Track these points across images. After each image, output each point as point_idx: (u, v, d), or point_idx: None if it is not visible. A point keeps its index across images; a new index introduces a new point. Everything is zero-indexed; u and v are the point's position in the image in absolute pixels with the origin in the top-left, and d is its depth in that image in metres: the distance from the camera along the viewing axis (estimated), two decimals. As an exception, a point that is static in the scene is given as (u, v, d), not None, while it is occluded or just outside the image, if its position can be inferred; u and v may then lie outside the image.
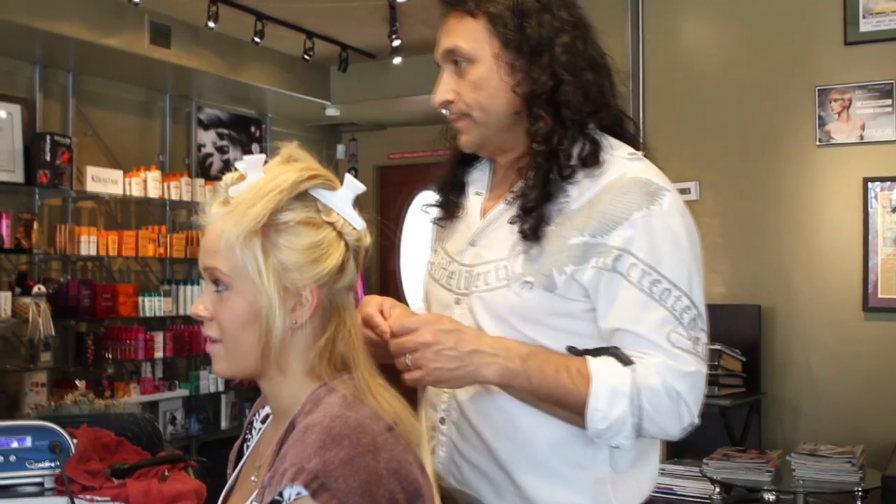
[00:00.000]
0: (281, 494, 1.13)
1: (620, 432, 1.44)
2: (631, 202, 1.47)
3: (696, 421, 1.49)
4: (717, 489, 3.74)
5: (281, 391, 1.28)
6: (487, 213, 1.63)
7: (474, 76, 1.56)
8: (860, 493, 3.58)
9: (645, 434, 1.46)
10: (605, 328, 1.49)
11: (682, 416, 1.46)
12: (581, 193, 1.51)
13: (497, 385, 1.47)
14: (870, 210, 4.30)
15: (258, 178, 1.24)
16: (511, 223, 1.55)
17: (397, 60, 6.52)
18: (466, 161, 1.72)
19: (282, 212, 1.22)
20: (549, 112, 1.53)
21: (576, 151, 1.53)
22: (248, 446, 1.44)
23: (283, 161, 1.27)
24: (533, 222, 1.50)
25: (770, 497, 3.50)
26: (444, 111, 1.63)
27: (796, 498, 3.63)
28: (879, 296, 4.28)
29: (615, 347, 1.47)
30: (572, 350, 1.50)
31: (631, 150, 1.57)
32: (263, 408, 1.45)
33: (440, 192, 1.75)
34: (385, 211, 8.49)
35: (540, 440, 1.52)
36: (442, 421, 1.61)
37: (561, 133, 1.52)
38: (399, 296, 8.33)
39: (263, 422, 1.43)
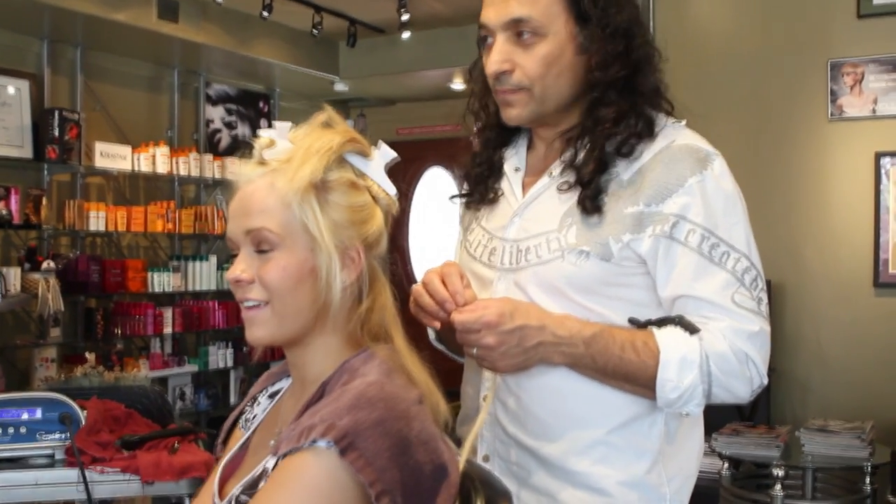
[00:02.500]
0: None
1: (691, 400, 1.45)
2: (684, 169, 1.48)
3: (765, 381, 1.50)
4: (726, 464, 3.74)
5: (315, 357, 1.28)
6: (529, 188, 1.61)
7: (544, 51, 1.51)
8: (869, 469, 3.58)
9: (714, 399, 1.47)
10: (667, 296, 1.49)
11: (751, 378, 1.47)
12: (630, 163, 1.51)
13: (565, 366, 1.48)
14: (881, 186, 4.27)
15: (300, 140, 1.26)
16: (561, 190, 1.54)
17: (406, 35, 6.49)
18: (502, 141, 1.69)
19: (330, 171, 1.24)
20: (621, 98, 1.52)
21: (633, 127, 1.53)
22: (247, 419, 1.43)
23: (322, 125, 1.29)
24: (592, 193, 1.49)
25: (779, 472, 3.49)
26: (491, 83, 1.56)
27: (805, 473, 3.63)
28: (890, 271, 4.26)
29: (679, 316, 1.48)
30: (634, 322, 1.50)
31: (673, 118, 1.57)
32: (273, 384, 1.45)
33: (474, 173, 1.70)
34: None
35: (595, 416, 1.51)
36: (485, 399, 1.59)
37: (628, 117, 1.52)
38: (407, 272, 8.34)
39: (272, 397, 1.43)
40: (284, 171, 1.23)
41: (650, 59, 1.56)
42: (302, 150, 1.24)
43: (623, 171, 1.51)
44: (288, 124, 1.28)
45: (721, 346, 1.45)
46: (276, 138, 1.26)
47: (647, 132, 1.51)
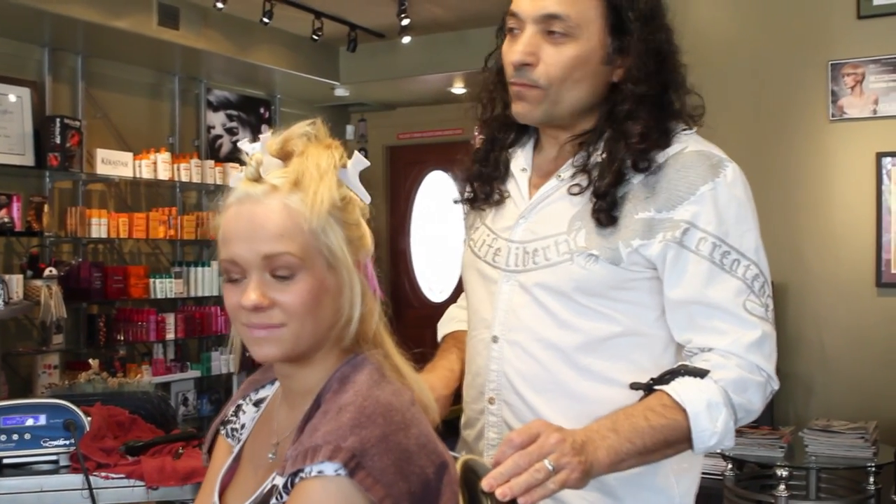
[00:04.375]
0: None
1: (726, 436, 1.44)
2: (696, 176, 1.47)
3: (776, 386, 1.50)
4: (730, 465, 3.74)
5: (308, 369, 1.26)
6: (536, 189, 1.60)
7: (571, 53, 1.49)
8: (873, 469, 3.58)
9: (739, 423, 1.47)
10: (676, 299, 1.49)
11: (763, 384, 1.48)
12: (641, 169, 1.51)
13: (609, 468, 1.36)
14: (883, 186, 4.27)
15: (300, 157, 1.23)
16: (572, 193, 1.53)
17: (406, 40, 6.50)
18: (509, 141, 1.67)
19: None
20: (650, 115, 1.50)
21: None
22: (233, 428, 1.42)
23: (307, 137, 1.27)
24: (608, 206, 1.48)
25: (783, 473, 3.49)
26: (509, 74, 1.53)
27: (809, 473, 3.63)
28: (892, 272, 4.26)
29: (683, 365, 1.46)
30: (636, 386, 1.48)
31: (683, 125, 1.56)
32: (255, 391, 1.44)
33: (480, 174, 1.68)
34: (394, 191, 8.48)
35: (601, 415, 1.47)
36: (491, 401, 1.59)
37: (652, 133, 1.50)
38: (410, 276, 8.33)
39: (257, 405, 1.42)
40: (297, 192, 1.19)
41: (682, 82, 1.56)
42: (311, 169, 1.21)
43: (633, 177, 1.50)
44: (269, 134, 1.26)
45: (733, 374, 1.44)
46: (264, 153, 1.23)
47: (665, 144, 1.51)
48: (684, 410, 1.40)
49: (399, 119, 8.46)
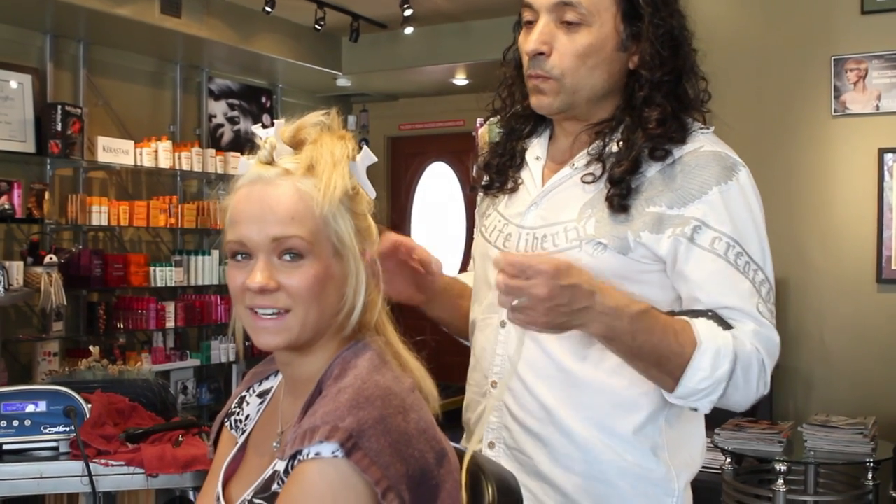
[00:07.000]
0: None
1: (713, 393, 1.44)
2: (709, 176, 1.48)
3: (765, 391, 1.50)
4: (729, 459, 3.75)
5: (310, 357, 1.27)
6: (549, 177, 1.61)
7: (585, 41, 1.50)
8: (871, 465, 3.58)
9: (724, 399, 1.46)
10: (689, 297, 1.49)
11: (759, 387, 1.48)
12: (655, 162, 1.51)
13: (599, 338, 1.44)
14: (884, 182, 4.26)
15: (314, 144, 1.24)
16: (585, 182, 1.54)
17: (409, 30, 6.49)
18: (526, 131, 1.69)
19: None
20: (666, 101, 1.52)
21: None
22: (238, 420, 1.43)
23: (321, 126, 1.28)
24: (622, 192, 1.49)
25: (781, 468, 3.49)
26: (525, 65, 1.55)
27: (807, 469, 3.63)
28: (893, 268, 4.26)
29: (712, 311, 1.48)
30: (671, 314, 1.50)
31: (700, 123, 1.57)
32: (259, 383, 1.45)
33: (495, 163, 1.70)
34: (396, 182, 8.48)
35: (602, 403, 1.51)
36: (494, 384, 1.60)
37: (669, 121, 1.51)
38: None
39: (261, 396, 1.43)
40: (310, 177, 1.21)
41: (694, 69, 1.57)
42: (325, 156, 1.23)
43: (648, 169, 1.51)
44: (283, 122, 1.27)
45: (749, 349, 1.45)
46: (277, 139, 1.24)
47: (681, 139, 1.51)
48: (694, 345, 1.42)
49: (401, 110, 8.45)
